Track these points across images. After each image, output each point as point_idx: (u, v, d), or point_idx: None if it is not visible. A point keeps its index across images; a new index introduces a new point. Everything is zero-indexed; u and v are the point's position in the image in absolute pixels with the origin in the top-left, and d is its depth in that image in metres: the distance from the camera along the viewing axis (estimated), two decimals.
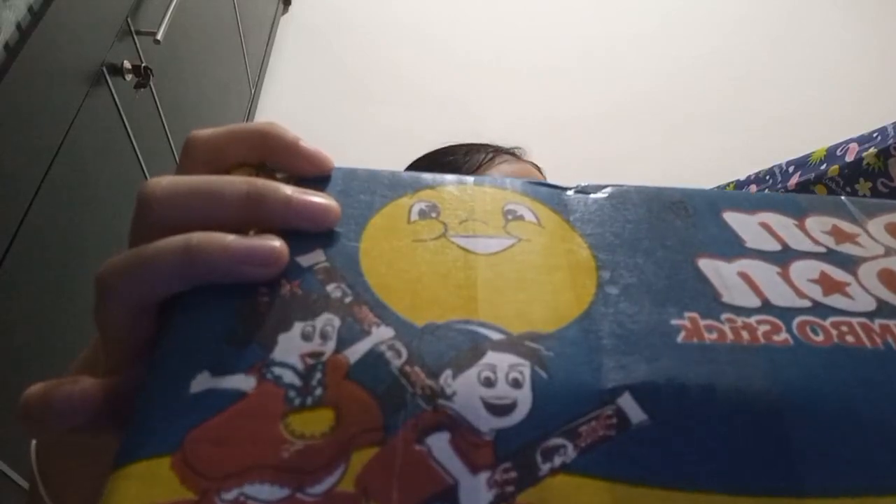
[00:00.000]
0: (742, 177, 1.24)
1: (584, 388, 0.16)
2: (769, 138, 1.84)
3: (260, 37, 1.91)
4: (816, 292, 0.19)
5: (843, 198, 0.23)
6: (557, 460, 0.15)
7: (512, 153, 0.62)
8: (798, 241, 0.21)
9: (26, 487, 0.79)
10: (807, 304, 0.19)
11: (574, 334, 0.17)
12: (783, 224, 0.21)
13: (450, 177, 0.22)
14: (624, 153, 1.86)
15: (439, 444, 0.15)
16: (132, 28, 0.99)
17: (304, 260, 0.18)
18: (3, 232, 0.69)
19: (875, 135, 0.98)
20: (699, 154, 1.83)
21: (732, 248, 0.20)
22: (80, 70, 0.84)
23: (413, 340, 0.17)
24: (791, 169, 1.11)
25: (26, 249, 0.73)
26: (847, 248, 0.21)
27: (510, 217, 0.21)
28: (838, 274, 0.20)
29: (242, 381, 0.16)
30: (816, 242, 0.21)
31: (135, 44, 1.01)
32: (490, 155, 0.60)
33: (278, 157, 0.21)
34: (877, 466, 0.15)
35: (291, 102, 1.94)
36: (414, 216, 0.20)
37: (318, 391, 0.16)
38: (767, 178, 1.16)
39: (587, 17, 2.26)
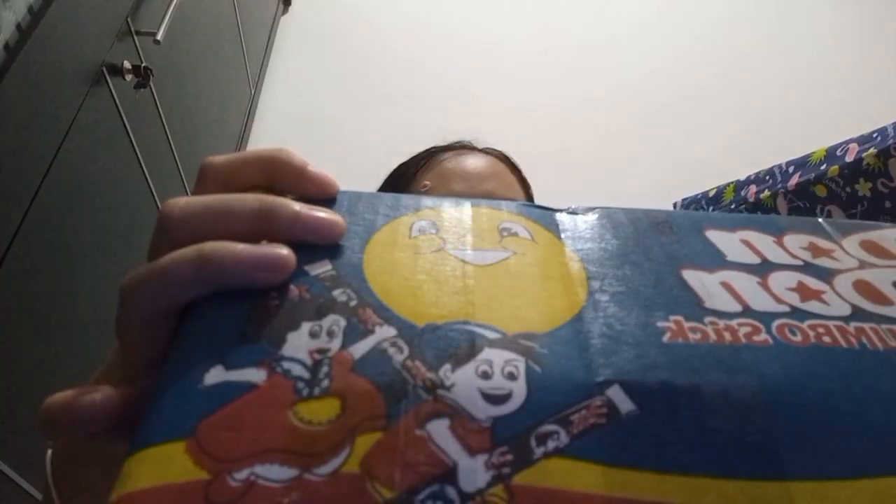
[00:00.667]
0: (742, 177, 1.24)
1: (576, 380, 0.17)
2: (768, 138, 1.84)
3: (260, 37, 1.91)
4: (794, 299, 0.20)
5: (819, 219, 0.24)
6: (551, 445, 0.16)
7: (462, 146, 0.62)
8: (777, 256, 0.22)
9: (26, 488, 0.79)
10: (785, 308, 0.20)
11: (566, 334, 0.18)
12: (763, 241, 0.23)
13: (448, 199, 0.23)
14: (624, 153, 1.86)
15: (439, 430, 0.16)
16: (132, 28, 0.99)
17: (312, 269, 0.20)
18: (3, 232, 0.69)
19: (875, 135, 0.98)
20: (698, 154, 1.83)
21: (714, 260, 0.22)
22: (80, 70, 0.84)
23: (414, 338, 0.18)
24: (791, 169, 1.11)
25: (26, 249, 0.73)
26: (823, 262, 0.22)
27: (505, 234, 0.22)
28: (815, 283, 0.21)
29: (254, 374, 0.17)
30: (794, 256, 0.22)
31: (135, 44, 1.01)
32: (423, 162, 0.60)
33: (287, 181, 0.22)
34: (854, 452, 0.16)
35: (291, 102, 1.94)
36: (415, 232, 0.22)
37: (325, 383, 0.17)
38: (767, 178, 1.16)
39: (590, 15, 2.26)
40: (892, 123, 0.96)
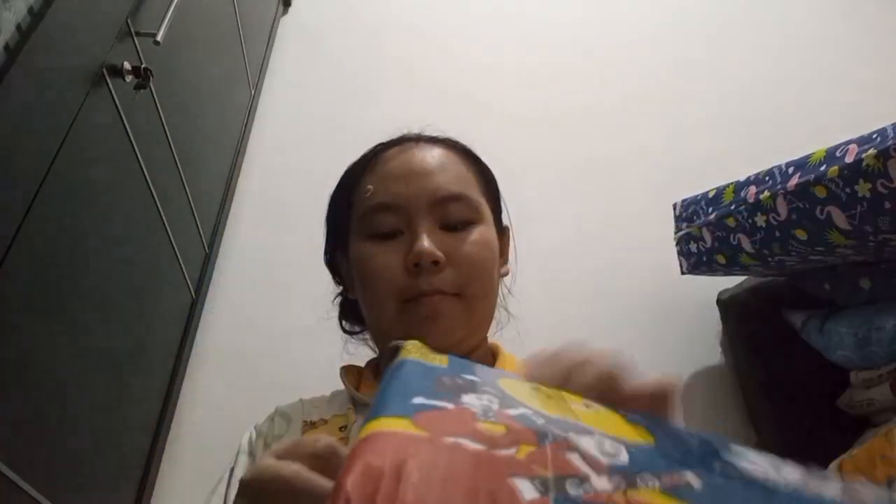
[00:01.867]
0: (742, 177, 1.24)
1: (659, 461, 0.25)
2: (768, 138, 1.84)
3: (260, 37, 1.91)
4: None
5: None
6: (649, 483, 0.22)
7: (409, 139, 0.62)
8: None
9: (26, 489, 0.78)
10: None
11: (645, 445, 0.27)
12: None
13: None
14: (623, 153, 1.86)
15: (573, 456, 0.23)
16: (132, 29, 0.99)
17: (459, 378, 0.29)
18: (3, 232, 0.69)
19: (875, 136, 0.97)
20: (698, 154, 1.83)
21: None
22: (80, 71, 0.84)
23: (546, 417, 0.26)
24: (791, 170, 1.11)
25: (26, 249, 0.73)
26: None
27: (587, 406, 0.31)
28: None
29: (445, 403, 0.25)
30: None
31: (135, 45, 1.01)
32: (368, 163, 0.61)
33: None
34: None
35: (291, 102, 1.94)
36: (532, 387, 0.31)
37: (494, 418, 0.24)
38: (767, 178, 1.16)
39: (588, 15, 2.26)
40: (892, 124, 0.96)
